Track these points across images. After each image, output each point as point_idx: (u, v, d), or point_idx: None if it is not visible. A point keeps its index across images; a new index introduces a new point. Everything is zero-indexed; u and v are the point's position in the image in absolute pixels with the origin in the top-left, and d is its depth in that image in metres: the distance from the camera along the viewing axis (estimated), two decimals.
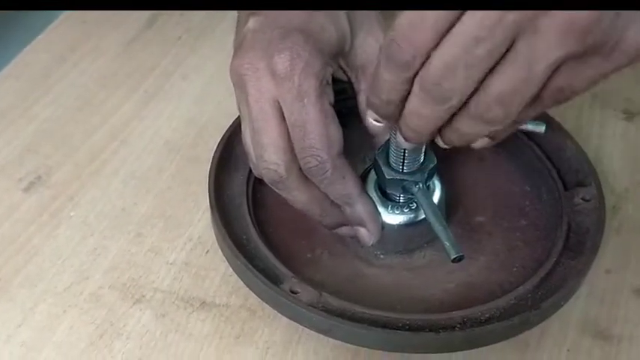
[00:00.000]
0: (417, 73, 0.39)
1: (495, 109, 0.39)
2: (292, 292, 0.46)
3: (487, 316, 0.46)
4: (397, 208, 0.49)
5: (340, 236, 0.51)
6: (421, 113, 0.40)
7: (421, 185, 0.47)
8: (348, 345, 0.47)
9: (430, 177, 0.48)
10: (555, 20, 0.36)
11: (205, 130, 0.61)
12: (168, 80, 0.65)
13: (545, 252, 0.50)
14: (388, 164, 0.47)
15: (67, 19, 0.71)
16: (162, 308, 0.49)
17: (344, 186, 0.47)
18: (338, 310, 0.45)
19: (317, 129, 0.45)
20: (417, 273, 0.51)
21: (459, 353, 0.47)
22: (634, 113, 0.63)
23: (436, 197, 0.49)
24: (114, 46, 0.69)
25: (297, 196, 0.47)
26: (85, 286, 0.51)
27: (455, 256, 0.44)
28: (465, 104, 0.40)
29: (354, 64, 0.50)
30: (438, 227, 0.46)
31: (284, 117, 0.46)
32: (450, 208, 0.53)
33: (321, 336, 0.47)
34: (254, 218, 0.50)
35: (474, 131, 0.41)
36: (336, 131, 0.46)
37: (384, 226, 0.49)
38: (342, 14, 0.49)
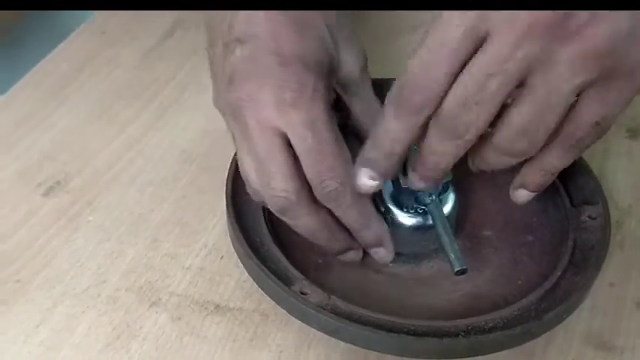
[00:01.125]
0: (429, 116, 0.41)
1: (520, 141, 0.41)
2: (302, 293, 0.47)
3: (491, 325, 0.47)
4: (412, 208, 0.50)
5: None
6: (438, 150, 0.42)
7: (434, 197, 0.49)
8: (358, 350, 0.48)
9: (445, 190, 0.50)
10: (567, 50, 0.37)
11: (220, 141, 0.62)
12: (184, 92, 0.67)
13: (550, 267, 0.51)
14: (404, 173, 0.49)
15: (86, 29, 0.73)
16: (178, 311, 0.51)
17: (363, 207, 0.47)
18: (346, 312, 0.47)
19: (334, 151, 0.45)
20: (424, 282, 0.52)
21: None
22: (637, 131, 0.64)
23: (448, 208, 0.51)
24: (131, 58, 0.70)
25: (307, 222, 0.47)
26: (102, 288, 0.52)
27: (458, 269, 0.46)
28: (488, 137, 0.41)
29: (340, 80, 0.50)
30: (445, 239, 0.47)
31: (289, 145, 0.45)
32: (458, 221, 0.54)
33: (332, 341, 0.49)
34: (268, 222, 0.52)
35: (500, 162, 0.43)
36: (348, 153, 0.46)
37: (399, 226, 0.51)
38: (326, 34, 0.49)
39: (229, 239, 0.53)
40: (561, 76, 0.38)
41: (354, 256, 0.51)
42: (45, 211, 0.57)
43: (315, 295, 0.47)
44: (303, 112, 0.44)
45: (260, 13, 0.46)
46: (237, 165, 0.54)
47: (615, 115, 0.41)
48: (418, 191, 0.49)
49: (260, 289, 0.49)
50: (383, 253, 0.50)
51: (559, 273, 0.50)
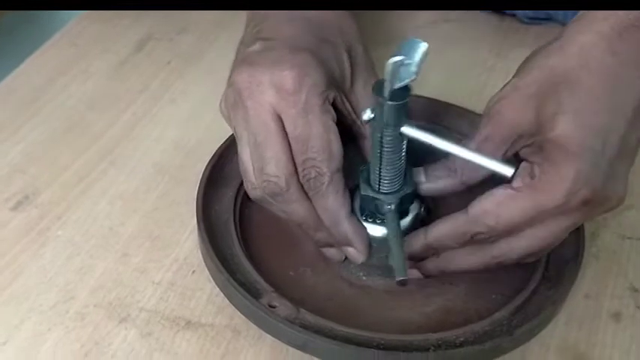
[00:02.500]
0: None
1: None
2: (270, 306, 0.46)
3: (461, 340, 0.47)
4: (376, 217, 0.50)
5: (324, 256, 0.51)
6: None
7: (393, 207, 0.48)
8: None
9: (406, 202, 0.49)
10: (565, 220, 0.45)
11: (193, 153, 0.62)
12: (157, 104, 0.66)
13: (524, 282, 0.51)
14: (368, 182, 0.49)
15: (58, 41, 0.72)
16: (148, 327, 0.50)
17: (335, 202, 0.47)
18: (314, 326, 0.46)
19: (319, 143, 0.46)
20: (397, 296, 0.52)
21: None
22: None
23: (409, 219, 0.50)
24: (103, 69, 0.69)
25: (295, 208, 0.48)
26: (70, 304, 0.51)
27: (399, 279, 0.45)
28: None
29: (358, 110, 0.52)
30: (395, 250, 0.47)
31: (285, 131, 0.46)
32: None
33: (306, 357, 0.48)
34: (240, 234, 0.51)
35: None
36: (337, 147, 0.47)
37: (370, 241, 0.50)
38: (345, 55, 0.51)
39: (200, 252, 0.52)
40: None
41: (335, 253, 0.51)
42: (13, 226, 0.56)
43: (284, 308, 0.46)
44: (300, 100, 0.46)
45: (286, 23, 0.50)
46: (209, 175, 0.54)
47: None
48: (376, 199, 0.48)
49: (232, 304, 0.49)
50: (352, 253, 0.50)
51: (532, 287, 0.50)
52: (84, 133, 0.63)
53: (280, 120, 0.46)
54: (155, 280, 0.53)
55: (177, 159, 0.61)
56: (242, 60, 0.49)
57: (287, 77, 0.46)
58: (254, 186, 0.48)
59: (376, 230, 0.50)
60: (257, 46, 0.49)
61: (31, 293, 0.51)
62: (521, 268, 0.52)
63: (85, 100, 0.66)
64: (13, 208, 0.57)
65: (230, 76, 0.49)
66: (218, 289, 0.51)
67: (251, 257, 0.50)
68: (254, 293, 0.47)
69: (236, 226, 0.51)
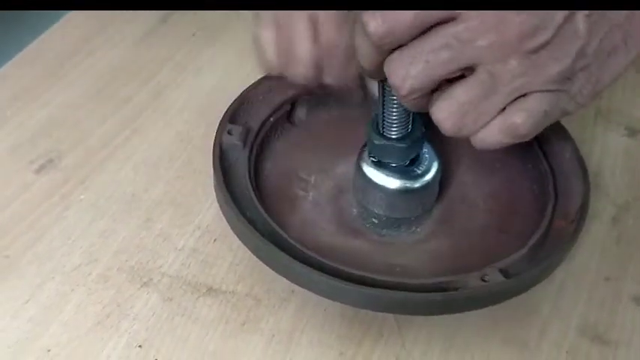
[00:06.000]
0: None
1: (455, 117, 0.41)
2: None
3: (467, 284, 0.46)
4: (395, 171, 0.50)
5: (333, 204, 0.52)
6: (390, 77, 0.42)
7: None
8: (353, 335, 0.48)
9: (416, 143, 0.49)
10: (522, 62, 0.39)
11: (216, 123, 0.61)
12: (182, 73, 0.66)
13: (537, 222, 0.50)
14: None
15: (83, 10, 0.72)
16: (170, 292, 0.50)
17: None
18: (317, 264, 0.46)
19: None
20: (403, 246, 0.52)
21: (459, 350, 0.48)
22: (636, 130, 0.64)
23: (431, 174, 0.51)
24: (128, 39, 0.69)
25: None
26: (93, 267, 0.51)
27: None
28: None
29: None
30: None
31: None
32: (444, 184, 0.54)
33: (326, 326, 0.48)
34: (255, 185, 0.51)
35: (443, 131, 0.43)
36: None
37: (381, 189, 0.50)
38: None
39: (223, 220, 0.52)
40: (508, 76, 0.40)
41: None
42: (37, 188, 0.56)
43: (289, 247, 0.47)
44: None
45: None
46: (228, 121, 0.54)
47: (557, 112, 0.42)
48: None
49: (252, 274, 0.49)
50: None
51: (546, 224, 0.50)
52: (108, 99, 0.63)
53: None
54: (177, 246, 0.53)
55: (201, 128, 0.61)
56: None
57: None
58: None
59: (390, 182, 0.50)
60: None
61: (54, 254, 0.52)
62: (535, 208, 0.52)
63: (109, 68, 0.66)
64: (37, 170, 0.57)
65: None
66: (239, 257, 0.52)
67: (264, 205, 0.50)
68: (262, 233, 0.47)
69: (250, 176, 0.52)
